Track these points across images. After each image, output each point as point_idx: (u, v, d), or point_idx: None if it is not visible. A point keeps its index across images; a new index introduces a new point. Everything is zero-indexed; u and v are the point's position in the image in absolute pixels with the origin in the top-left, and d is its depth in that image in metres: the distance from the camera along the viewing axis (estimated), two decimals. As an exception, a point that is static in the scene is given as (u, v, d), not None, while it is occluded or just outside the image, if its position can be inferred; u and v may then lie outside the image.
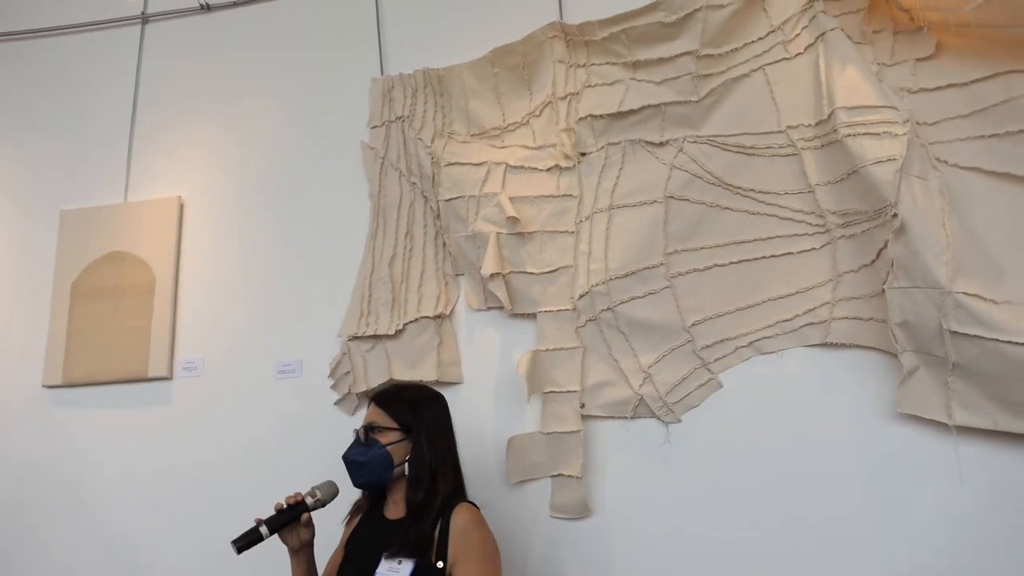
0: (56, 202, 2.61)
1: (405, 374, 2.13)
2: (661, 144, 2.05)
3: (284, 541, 1.60)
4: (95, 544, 2.27)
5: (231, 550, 1.50)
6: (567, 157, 2.13)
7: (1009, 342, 1.53)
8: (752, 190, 1.97)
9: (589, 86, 2.13)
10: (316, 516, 1.65)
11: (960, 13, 1.67)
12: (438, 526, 1.51)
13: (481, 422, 2.08)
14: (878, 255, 1.76)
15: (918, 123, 1.78)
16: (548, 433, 1.99)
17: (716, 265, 1.97)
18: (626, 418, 1.98)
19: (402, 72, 2.37)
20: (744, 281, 1.95)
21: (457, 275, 2.23)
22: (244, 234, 2.44)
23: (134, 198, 2.56)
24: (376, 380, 2.16)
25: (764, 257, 1.94)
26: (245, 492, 2.16)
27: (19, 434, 2.42)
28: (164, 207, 2.49)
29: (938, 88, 1.80)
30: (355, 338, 2.19)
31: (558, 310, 2.06)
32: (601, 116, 2.07)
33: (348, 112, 2.43)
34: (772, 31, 1.99)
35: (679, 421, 1.95)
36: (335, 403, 2.21)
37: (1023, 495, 1.66)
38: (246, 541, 1.52)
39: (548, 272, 2.08)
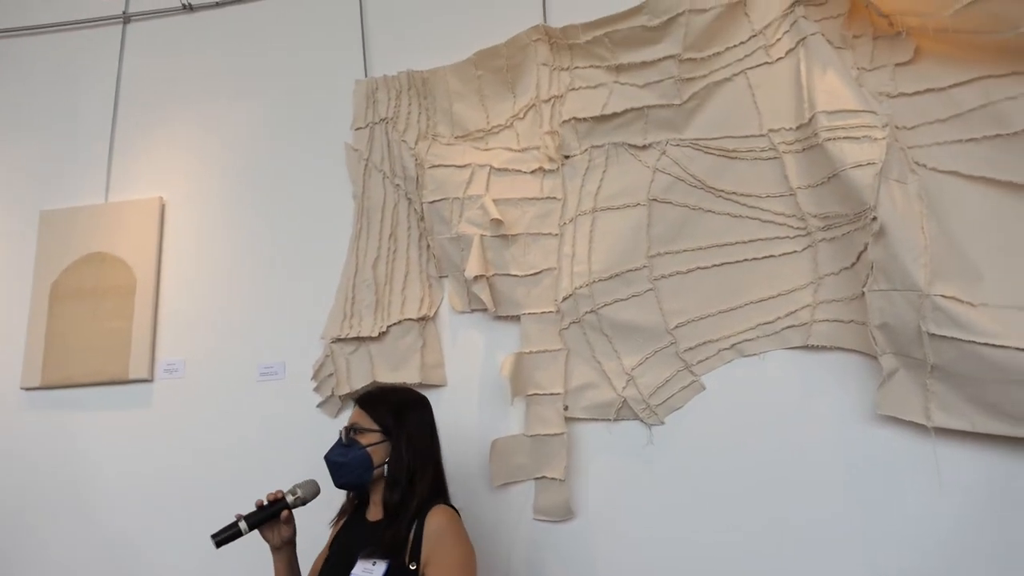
0: (36, 202, 2.58)
1: (388, 376, 2.12)
2: (644, 147, 2.06)
3: (265, 538, 1.61)
4: (76, 547, 2.25)
5: (212, 551, 1.50)
6: (551, 160, 2.13)
7: (986, 344, 1.55)
8: (734, 193, 1.98)
9: (573, 89, 2.14)
10: (300, 518, 1.65)
11: (938, 18, 1.69)
12: (413, 527, 1.52)
13: (464, 424, 2.08)
14: (858, 258, 1.78)
15: (897, 127, 1.80)
16: (532, 435, 1.99)
17: (699, 268, 1.98)
18: (609, 420, 1.99)
19: (386, 74, 2.37)
20: (726, 284, 1.96)
21: (441, 277, 2.22)
22: (226, 235, 2.43)
23: (115, 198, 2.54)
24: (359, 382, 2.15)
25: (746, 260, 1.95)
26: (227, 495, 2.12)
27: (-3, 437, 2.39)
28: (145, 208, 2.47)
29: (917, 93, 1.82)
30: (338, 340, 2.18)
31: (542, 312, 2.06)
32: (585, 119, 2.08)
33: (332, 114, 2.42)
34: (754, 35, 2.01)
35: (662, 423, 1.96)
36: (318, 405, 2.20)
37: (1001, 496, 1.67)
38: (225, 535, 1.54)
39: (532, 274, 2.08)
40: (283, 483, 1.66)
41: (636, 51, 2.05)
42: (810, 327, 1.87)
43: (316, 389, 2.21)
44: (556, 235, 2.09)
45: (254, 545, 1.63)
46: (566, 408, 1.99)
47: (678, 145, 2.03)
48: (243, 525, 1.55)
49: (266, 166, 2.46)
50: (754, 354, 1.93)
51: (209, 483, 2.21)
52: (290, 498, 1.61)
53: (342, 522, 1.71)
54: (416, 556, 1.48)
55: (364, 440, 1.61)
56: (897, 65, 1.86)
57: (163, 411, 2.31)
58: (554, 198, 2.11)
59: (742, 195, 1.97)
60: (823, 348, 1.87)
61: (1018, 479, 1.66)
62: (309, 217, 2.37)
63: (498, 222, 2.07)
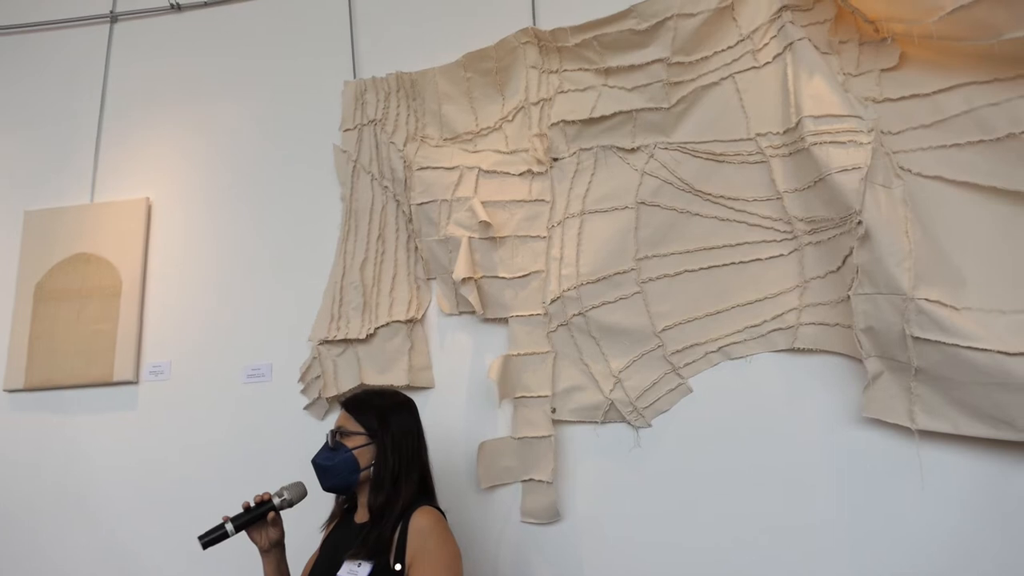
0: (20, 202, 2.56)
1: (376, 379, 2.12)
2: (633, 150, 2.07)
3: (253, 540, 1.62)
4: (61, 550, 2.23)
5: (199, 552, 1.50)
6: (539, 162, 2.14)
7: (969, 347, 1.56)
8: (722, 197, 1.99)
9: (561, 92, 2.14)
10: (290, 522, 1.65)
11: (923, 25, 1.70)
12: (398, 528, 1.52)
13: (452, 427, 2.07)
14: (844, 262, 1.79)
15: (882, 132, 1.82)
16: (519, 438, 1.99)
17: (686, 271, 1.99)
18: (597, 423, 1.99)
19: (375, 75, 2.37)
20: (713, 287, 1.97)
21: (429, 279, 2.22)
22: (213, 237, 2.42)
23: (101, 199, 2.52)
24: (347, 384, 2.14)
25: (733, 263, 1.96)
26: (213, 498, 2.12)
27: (-21, 439, 2.37)
28: (132, 208, 2.45)
29: (902, 98, 1.84)
30: (326, 342, 2.18)
31: (530, 315, 2.06)
32: (573, 122, 2.08)
33: (320, 115, 2.42)
34: (741, 40, 2.02)
35: (649, 426, 1.96)
36: (305, 407, 2.19)
37: (985, 498, 1.69)
38: (211, 537, 1.55)
39: (520, 277, 2.09)
40: (270, 486, 1.67)
41: (625, 54, 2.06)
42: (796, 330, 1.88)
43: (303, 391, 2.20)
44: (544, 238, 2.09)
45: (243, 548, 1.63)
46: (553, 411, 1.99)
47: (666, 148, 2.04)
48: (229, 527, 1.56)
49: (254, 167, 2.45)
50: (741, 357, 1.94)
51: (195, 486, 2.19)
52: (277, 500, 1.62)
53: (332, 525, 1.72)
54: (401, 556, 1.49)
55: (350, 443, 1.61)
56: (882, 71, 1.88)
57: (149, 413, 2.30)
58: (542, 201, 2.12)
59: (729, 199, 1.98)
60: (809, 351, 1.88)
61: (1000, 481, 1.68)
62: (297, 219, 2.36)
63: (486, 224, 2.07)
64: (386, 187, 2.28)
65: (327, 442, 1.64)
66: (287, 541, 1.66)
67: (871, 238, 1.69)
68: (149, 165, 2.53)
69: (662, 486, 1.92)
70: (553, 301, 2.02)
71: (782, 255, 1.93)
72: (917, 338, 1.63)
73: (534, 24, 2.27)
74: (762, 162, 1.96)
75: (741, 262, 1.96)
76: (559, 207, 2.09)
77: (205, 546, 1.54)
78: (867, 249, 1.70)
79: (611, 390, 1.97)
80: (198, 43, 2.63)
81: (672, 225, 2.01)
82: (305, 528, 1.73)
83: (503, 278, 2.09)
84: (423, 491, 1.64)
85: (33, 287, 2.43)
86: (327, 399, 2.16)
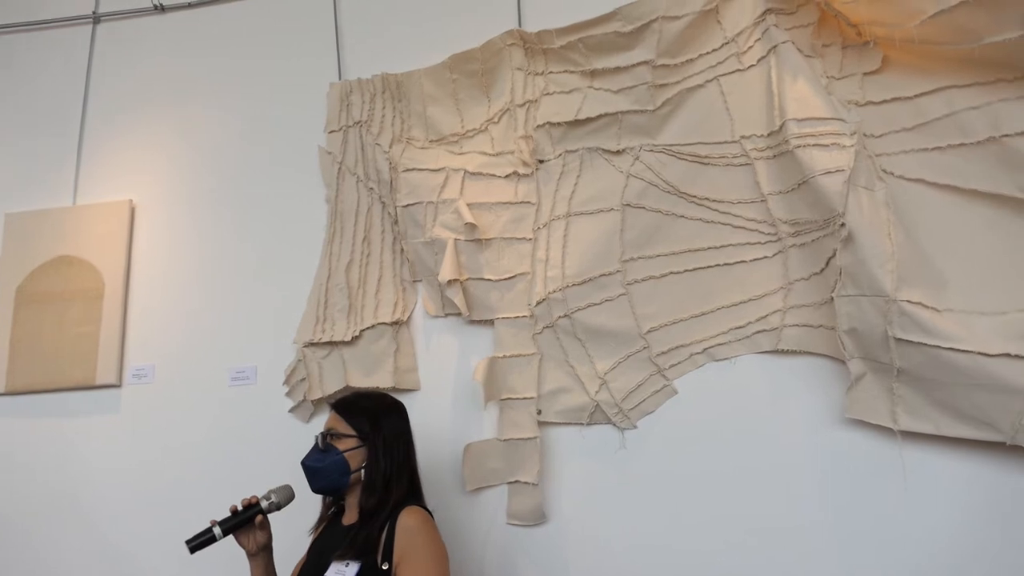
0: (1, 205, 2.54)
1: (361, 381, 2.11)
2: (618, 152, 2.07)
3: (240, 544, 1.61)
4: (43, 554, 2.20)
5: (186, 557, 1.49)
6: (525, 164, 2.14)
7: (950, 349, 1.58)
8: (706, 199, 2.00)
9: (547, 94, 2.14)
10: (278, 526, 1.65)
11: (904, 29, 1.71)
12: (385, 528, 1.53)
13: (438, 429, 2.07)
14: (827, 264, 1.80)
15: (865, 135, 1.83)
16: (505, 440, 1.99)
17: (671, 272, 2.00)
18: (582, 424, 1.99)
19: (360, 77, 2.36)
20: (698, 288, 1.97)
21: (415, 281, 2.22)
22: (197, 239, 2.40)
23: (83, 201, 2.50)
24: (332, 387, 2.13)
25: (718, 265, 1.97)
26: (198, 502, 2.10)
27: (-41, 444, 2.34)
28: (114, 211, 2.43)
29: (884, 101, 1.85)
30: (311, 344, 2.17)
31: (515, 317, 2.06)
32: (559, 124, 2.08)
33: (305, 116, 2.41)
34: (726, 43, 2.02)
35: (634, 427, 1.97)
36: (290, 410, 2.18)
37: (967, 498, 1.70)
38: (199, 541, 1.54)
39: (506, 279, 2.08)
40: (255, 489, 1.66)
41: (610, 57, 2.06)
42: (780, 332, 1.89)
43: (288, 394, 2.19)
44: (530, 240, 2.09)
45: (231, 551, 1.62)
46: (539, 412, 1.99)
47: (651, 150, 2.04)
48: (217, 531, 1.55)
49: (238, 169, 2.43)
50: (726, 358, 1.95)
51: (180, 490, 2.18)
52: (264, 503, 1.62)
53: (320, 529, 1.72)
54: (388, 556, 1.49)
55: (341, 445, 1.62)
56: (865, 74, 1.89)
57: (132, 417, 2.28)
58: (528, 203, 2.12)
59: (714, 201, 1.99)
60: (793, 352, 1.89)
61: (982, 481, 1.69)
62: (282, 221, 2.35)
63: (472, 226, 2.07)
64: (371, 189, 2.27)
65: (317, 444, 1.64)
66: (274, 545, 1.65)
67: (854, 240, 1.70)
68: (132, 167, 2.51)
69: (648, 487, 1.92)
70: (539, 303, 2.02)
71: (766, 257, 1.94)
72: (899, 339, 1.64)
73: (520, 26, 2.27)
74: (747, 164, 1.97)
75: (726, 264, 1.97)
76: (545, 209, 2.09)
77: (192, 550, 1.53)
78: (850, 251, 1.71)
79: (597, 392, 1.98)
80: (182, 44, 2.61)
81: (657, 227, 2.02)
82: (293, 532, 1.72)
83: (489, 280, 2.09)
84: (411, 493, 1.64)
85: (14, 290, 2.40)
86: (312, 402, 2.15)
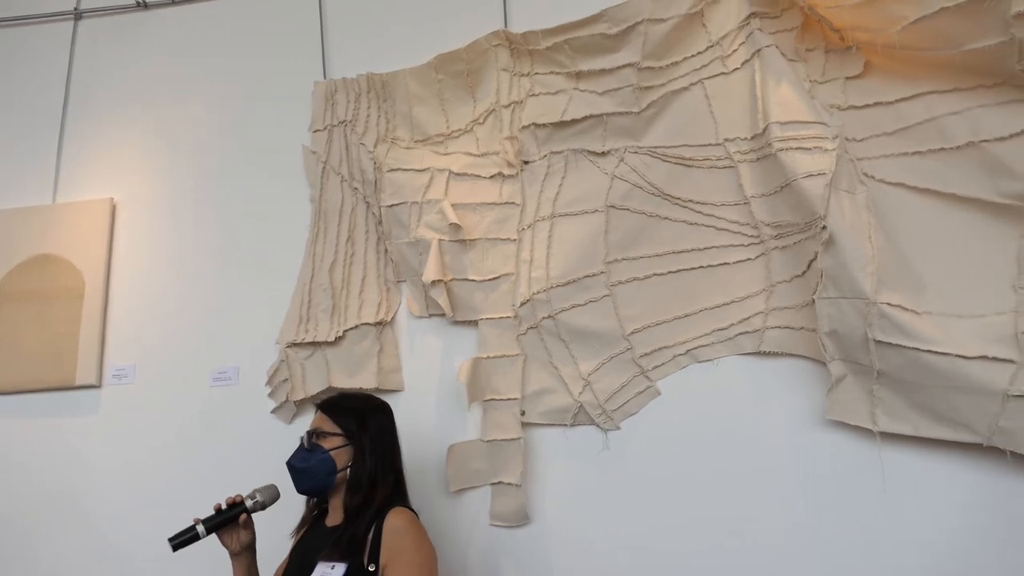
0: (-21, 202, 2.51)
1: (345, 382, 2.10)
2: (603, 154, 2.08)
3: (223, 543, 1.61)
4: (22, 556, 2.18)
5: (168, 556, 1.48)
6: (510, 165, 2.14)
7: (929, 351, 1.59)
8: (690, 201, 2.01)
9: (533, 95, 2.15)
10: (261, 527, 1.64)
11: (886, 34, 1.73)
12: (372, 529, 1.52)
13: (422, 429, 2.07)
14: (809, 266, 1.81)
15: (847, 139, 1.84)
16: (488, 441, 1.99)
17: (655, 274, 2.00)
18: (566, 425, 2.00)
19: (345, 76, 2.35)
20: (682, 290, 1.98)
21: (399, 282, 2.21)
22: (179, 238, 2.38)
23: (63, 199, 2.47)
24: (315, 387, 2.12)
25: (701, 267, 1.98)
26: (178, 503, 2.09)
27: (-65, 444, 2.31)
28: (95, 209, 2.41)
29: (866, 106, 1.86)
30: (294, 345, 2.16)
31: (499, 317, 2.06)
32: (544, 125, 2.09)
33: (289, 115, 2.39)
34: (711, 46, 2.03)
35: (618, 428, 1.97)
36: (272, 411, 2.17)
37: (944, 498, 1.72)
38: (182, 539, 1.54)
39: (490, 280, 2.08)
40: (236, 491, 1.65)
41: (595, 58, 2.07)
42: (762, 333, 1.90)
43: (271, 395, 2.18)
44: (514, 240, 2.09)
45: (214, 552, 1.61)
46: (523, 413, 1.99)
47: (636, 152, 2.05)
48: (200, 529, 1.55)
49: (221, 167, 2.42)
50: (708, 360, 1.95)
51: (159, 491, 2.16)
52: (249, 502, 1.61)
53: (303, 531, 1.71)
54: (375, 557, 1.49)
55: (327, 444, 1.62)
56: (848, 79, 1.91)
57: (112, 418, 2.26)
58: (513, 203, 2.12)
59: (698, 203, 2.00)
60: (775, 354, 1.90)
61: (959, 481, 1.71)
62: (265, 220, 2.33)
63: (456, 227, 2.07)
64: (356, 189, 2.26)
65: (302, 444, 1.63)
66: (257, 546, 1.65)
67: (835, 243, 1.71)
68: (114, 165, 2.49)
69: (631, 488, 1.92)
70: (523, 304, 2.02)
71: (749, 259, 1.95)
72: (879, 342, 1.66)
73: (506, 27, 2.27)
74: (730, 167, 1.98)
75: (709, 266, 1.97)
76: (529, 210, 2.10)
77: (175, 548, 1.52)
78: (831, 254, 1.72)
79: (580, 393, 1.98)
80: (165, 41, 2.59)
81: (642, 229, 2.03)
82: (277, 533, 1.71)
83: (473, 281, 2.09)
84: (397, 493, 1.64)
85: (-8, 289, 2.38)
86: (295, 402, 2.14)
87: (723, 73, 2.02)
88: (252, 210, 2.35)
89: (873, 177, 1.83)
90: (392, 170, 2.18)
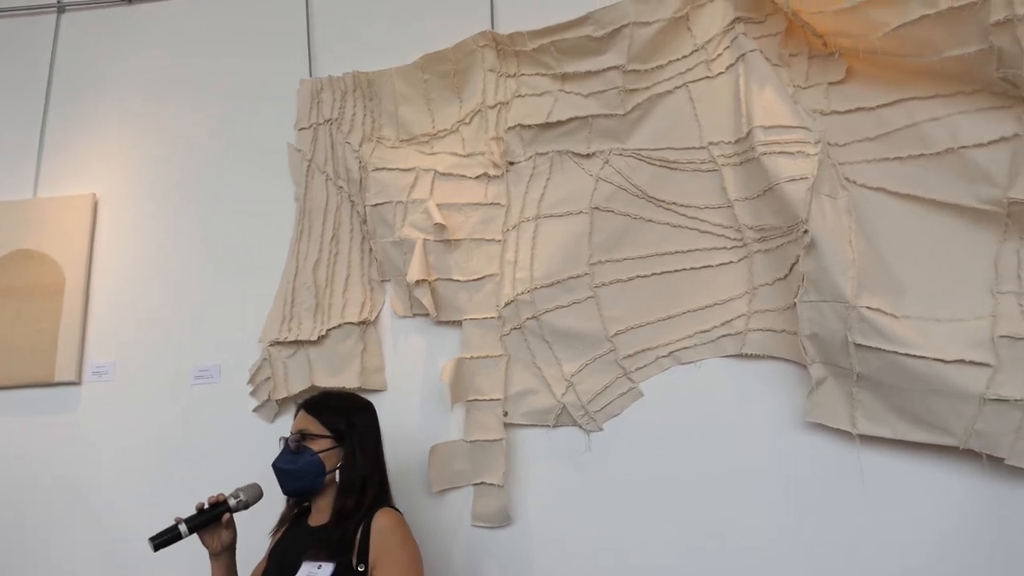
0: (-41, 196, 2.47)
1: (327, 381, 2.09)
2: (588, 156, 2.08)
3: (204, 543, 1.59)
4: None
5: (148, 555, 1.46)
6: (496, 166, 2.14)
7: (907, 355, 1.61)
8: (674, 203, 2.02)
9: (518, 96, 2.15)
10: (241, 526, 1.62)
11: (868, 41, 1.74)
12: (359, 530, 1.52)
13: (404, 429, 2.06)
14: (791, 269, 1.83)
15: (829, 144, 1.86)
16: (471, 441, 1.99)
17: (639, 276, 2.01)
18: (548, 426, 2.00)
19: (331, 74, 2.34)
20: (665, 292, 1.99)
21: (383, 281, 2.20)
22: (161, 234, 2.36)
23: (44, 194, 2.44)
24: (297, 387, 2.11)
25: (684, 269, 1.99)
26: (157, 503, 2.07)
27: (-90, 442, 2.27)
28: (77, 204, 2.38)
29: (848, 111, 1.88)
30: (276, 343, 2.14)
31: (483, 318, 2.06)
32: (530, 126, 2.09)
33: (275, 113, 2.38)
34: (696, 50, 2.05)
35: (600, 429, 1.98)
36: (254, 410, 2.16)
37: (922, 500, 1.73)
38: (163, 539, 1.52)
39: (474, 280, 2.08)
40: (217, 490, 1.63)
41: (581, 60, 2.07)
42: (744, 336, 1.92)
43: (252, 393, 2.16)
44: (499, 241, 2.09)
45: (196, 551, 1.60)
46: (506, 414, 1.99)
47: (621, 155, 2.06)
48: (183, 528, 1.53)
49: (205, 164, 2.40)
50: (691, 362, 1.96)
51: (139, 490, 2.14)
52: (232, 501, 1.59)
53: (282, 530, 1.69)
54: (364, 557, 1.48)
55: (315, 446, 1.61)
56: (830, 84, 1.92)
57: (91, 415, 2.23)
58: (498, 204, 2.12)
59: (682, 206, 2.01)
60: (757, 357, 1.91)
61: (937, 484, 1.72)
62: (249, 217, 2.32)
63: (441, 227, 2.06)
64: (341, 187, 2.26)
65: (287, 446, 1.62)
66: (236, 546, 1.64)
67: (816, 247, 1.73)
68: (96, 160, 2.46)
69: (613, 490, 1.93)
70: (507, 304, 2.02)
71: (732, 262, 1.96)
72: (859, 345, 1.67)
73: (493, 28, 2.28)
74: (714, 170, 1.99)
75: (692, 268, 1.98)
76: (514, 211, 2.10)
77: (156, 548, 1.51)
78: (813, 258, 1.74)
79: (563, 394, 1.98)
80: (149, 37, 2.57)
81: (626, 231, 2.03)
82: (258, 533, 1.70)
83: (457, 281, 2.09)
84: (382, 493, 1.64)
85: (-30, 284, 2.35)
86: (277, 401, 2.13)
87: (708, 77, 2.04)
88: (236, 207, 2.34)
89: (855, 182, 1.84)
90: (377, 169, 2.17)
